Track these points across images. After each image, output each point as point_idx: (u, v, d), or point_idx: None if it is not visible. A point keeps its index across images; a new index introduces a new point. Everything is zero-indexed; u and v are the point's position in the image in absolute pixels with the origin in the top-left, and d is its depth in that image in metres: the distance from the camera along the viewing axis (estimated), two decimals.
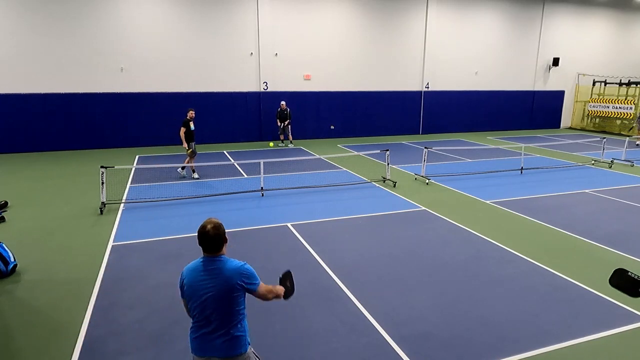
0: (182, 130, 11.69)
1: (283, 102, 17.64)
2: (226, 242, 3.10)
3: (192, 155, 11.88)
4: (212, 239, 3.00)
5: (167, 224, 8.40)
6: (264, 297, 3.25)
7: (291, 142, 18.03)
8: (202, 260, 3.08)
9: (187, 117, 11.80)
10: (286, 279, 3.57)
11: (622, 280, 2.92)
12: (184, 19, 17.23)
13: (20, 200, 9.86)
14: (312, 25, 18.97)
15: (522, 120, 24.29)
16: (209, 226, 3.01)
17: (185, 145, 11.73)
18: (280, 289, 3.44)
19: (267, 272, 6.39)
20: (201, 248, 3.05)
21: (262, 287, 3.21)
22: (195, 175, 12.18)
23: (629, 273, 2.89)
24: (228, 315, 3.01)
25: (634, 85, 23.12)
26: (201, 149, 16.87)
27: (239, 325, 3.08)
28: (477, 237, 7.81)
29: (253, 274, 3.14)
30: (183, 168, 12.25)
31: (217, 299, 2.97)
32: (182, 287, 3.16)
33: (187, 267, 3.16)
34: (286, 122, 17.59)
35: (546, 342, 4.71)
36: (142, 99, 17.23)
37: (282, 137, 18.07)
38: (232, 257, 3.40)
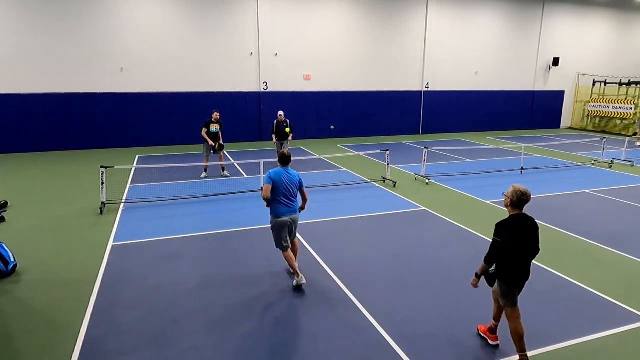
0: (203, 130, 12.23)
1: (281, 113, 13.21)
2: (290, 160, 6.06)
3: (207, 154, 12.24)
4: (288, 158, 6.03)
5: (167, 224, 8.40)
6: (305, 194, 6.23)
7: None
8: (282, 168, 5.94)
9: (211, 119, 12.39)
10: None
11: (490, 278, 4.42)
12: (184, 19, 17.23)
13: (20, 200, 9.86)
14: (312, 25, 18.97)
15: (522, 120, 24.29)
16: (286, 152, 6.06)
17: (211, 143, 12.13)
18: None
19: (268, 272, 6.41)
20: (279, 164, 6.01)
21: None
22: (203, 175, 12.35)
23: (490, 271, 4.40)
24: (296, 194, 6.04)
25: (634, 85, 23.12)
26: (201, 149, 16.87)
27: (298, 200, 6.09)
28: (477, 237, 7.81)
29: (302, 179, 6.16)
30: (224, 169, 12.61)
31: (293, 185, 5.93)
32: (271, 178, 5.80)
33: (272, 172, 5.86)
34: (289, 139, 13.17)
35: (546, 342, 4.71)
36: (142, 99, 17.23)
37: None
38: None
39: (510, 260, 4.20)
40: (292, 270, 6.03)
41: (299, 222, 8.66)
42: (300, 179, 6.05)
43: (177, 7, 17.07)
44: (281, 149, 13.67)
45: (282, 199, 5.82)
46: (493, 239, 4.26)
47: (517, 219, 4.31)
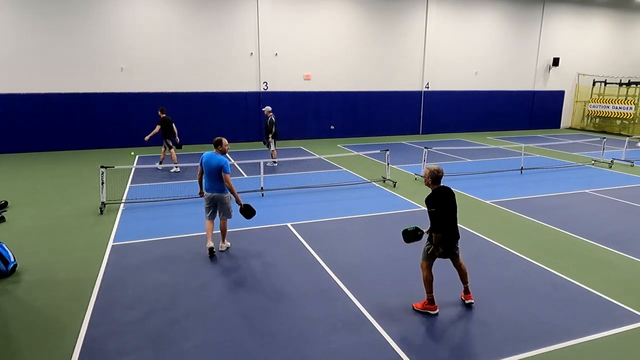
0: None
1: (268, 108, 13.83)
2: (221, 144, 6.84)
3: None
4: (218, 142, 6.83)
5: (167, 224, 8.40)
6: (227, 181, 6.73)
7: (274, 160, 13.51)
8: (212, 152, 6.83)
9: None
10: (247, 211, 7.05)
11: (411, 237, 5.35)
12: (184, 19, 17.23)
13: (20, 200, 9.86)
14: (312, 25, 18.97)
15: (522, 120, 24.29)
16: (217, 138, 6.86)
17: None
18: (239, 199, 6.96)
19: (268, 272, 6.40)
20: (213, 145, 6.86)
21: (228, 177, 6.73)
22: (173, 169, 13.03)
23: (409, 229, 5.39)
24: (217, 176, 6.75)
25: (634, 85, 23.11)
26: (201, 149, 16.87)
27: (222, 182, 6.78)
28: (477, 237, 7.81)
29: (227, 165, 6.75)
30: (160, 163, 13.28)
31: (216, 168, 6.71)
32: (201, 161, 6.86)
33: (204, 154, 6.86)
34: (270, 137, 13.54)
35: (546, 342, 4.71)
36: (142, 99, 17.23)
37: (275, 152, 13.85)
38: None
39: (443, 223, 5.06)
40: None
41: (301, 222, 8.80)
42: (222, 165, 6.69)
43: (177, 7, 17.07)
44: (268, 147, 13.84)
45: (206, 177, 6.87)
46: (430, 211, 5.03)
47: (440, 190, 5.15)
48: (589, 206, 9.85)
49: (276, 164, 13.85)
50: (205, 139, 18.16)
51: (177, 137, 12.96)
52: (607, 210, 9.51)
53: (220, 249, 7.10)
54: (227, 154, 7.07)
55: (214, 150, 6.83)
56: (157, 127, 12.61)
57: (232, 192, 6.80)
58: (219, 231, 7.21)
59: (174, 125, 12.81)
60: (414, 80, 21.40)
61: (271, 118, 13.45)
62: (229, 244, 7.25)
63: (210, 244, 6.91)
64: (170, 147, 12.80)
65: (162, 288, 5.86)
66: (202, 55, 17.67)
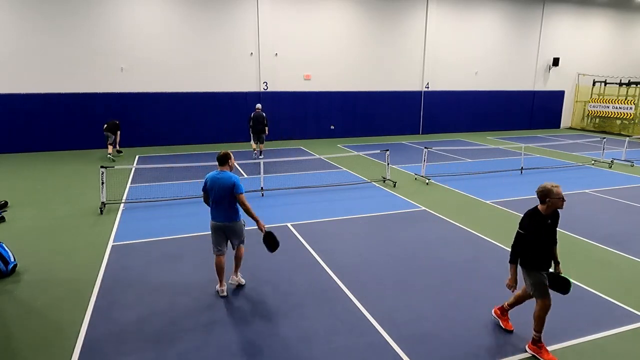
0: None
1: (257, 105, 15.30)
2: (229, 161, 5.56)
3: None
4: (224, 157, 5.55)
5: (167, 224, 8.40)
6: (242, 203, 5.49)
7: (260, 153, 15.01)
8: (217, 171, 5.54)
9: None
10: (271, 240, 5.66)
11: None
12: (184, 18, 17.23)
13: (20, 200, 9.85)
14: (312, 25, 18.97)
15: (522, 120, 24.28)
16: (222, 152, 5.58)
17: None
18: (261, 223, 5.63)
19: (268, 272, 6.40)
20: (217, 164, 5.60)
21: (243, 197, 5.48)
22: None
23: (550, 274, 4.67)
24: (228, 200, 5.49)
25: (634, 85, 23.11)
26: (201, 149, 16.90)
27: (234, 207, 5.58)
28: (477, 237, 7.81)
29: (239, 183, 5.49)
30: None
31: (225, 190, 5.44)
32: (205, 183, 5.58)
33: (208, 174, 5.57)
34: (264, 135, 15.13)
35: (546, 342, 4.70)
36: (142, 99, 17.23)
37: (260, 146, 15.12)
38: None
39: None
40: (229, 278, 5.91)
41: (301, 222, 8.82)
42: (232, 184, 5.40)
43: (177, 7, 17.06)
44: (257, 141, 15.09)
45: (212, 204, 5.58)
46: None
47: None
48: (589, 206, 9.85)
49: (258, 156, 14.65)
50: (205, 139, 18.22)
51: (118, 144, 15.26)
52: (607, 210, 9.51)
53: (230, 281, 5.84)
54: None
55: (219, 169, 5.54)
56: (105, 126, 15.01)
57: (251, 216, 5.49)
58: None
59: (118, 132, 15.14)
60: (414, 80, 21.40)
61: (250, 115, 15.08)
62: (243, 280, 5.92)
63: (223, 289, 5.65)
64: (110, 144, 14.97)
65: (162, 288, 5.86)
66: (202, 56, 17.66)
